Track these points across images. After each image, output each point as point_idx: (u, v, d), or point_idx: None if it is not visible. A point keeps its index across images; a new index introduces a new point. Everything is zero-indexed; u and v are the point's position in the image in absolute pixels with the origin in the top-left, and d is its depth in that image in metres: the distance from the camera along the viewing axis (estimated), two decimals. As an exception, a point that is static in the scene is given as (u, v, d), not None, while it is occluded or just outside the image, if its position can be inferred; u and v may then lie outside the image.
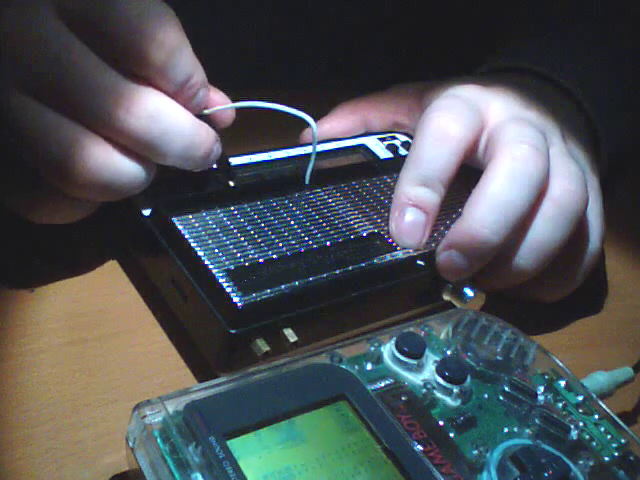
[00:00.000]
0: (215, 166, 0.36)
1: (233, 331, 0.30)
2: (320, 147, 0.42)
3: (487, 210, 0.35)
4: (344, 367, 0.29)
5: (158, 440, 0.25)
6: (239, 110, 0.37)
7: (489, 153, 0.37)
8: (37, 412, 0.29)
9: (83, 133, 0.31)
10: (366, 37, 0.60)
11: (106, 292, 0.35)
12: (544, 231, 0.36)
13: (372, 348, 0.30)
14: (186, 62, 0.32)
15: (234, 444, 0.25)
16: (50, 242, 0.36)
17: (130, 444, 0.26)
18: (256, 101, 0.35)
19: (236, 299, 0.31)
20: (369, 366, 0.30)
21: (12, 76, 0.30)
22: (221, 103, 0.36)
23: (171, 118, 0.32)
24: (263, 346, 0.31)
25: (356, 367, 0.30)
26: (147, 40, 0.31)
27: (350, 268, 0.35)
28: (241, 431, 0.25)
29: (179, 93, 0.33)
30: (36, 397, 0.30)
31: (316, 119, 0.42)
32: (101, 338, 0.33)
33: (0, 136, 0.31)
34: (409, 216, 0.37)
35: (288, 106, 0.35)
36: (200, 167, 0.35)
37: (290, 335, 0.31)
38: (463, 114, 0.38)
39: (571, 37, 0.50)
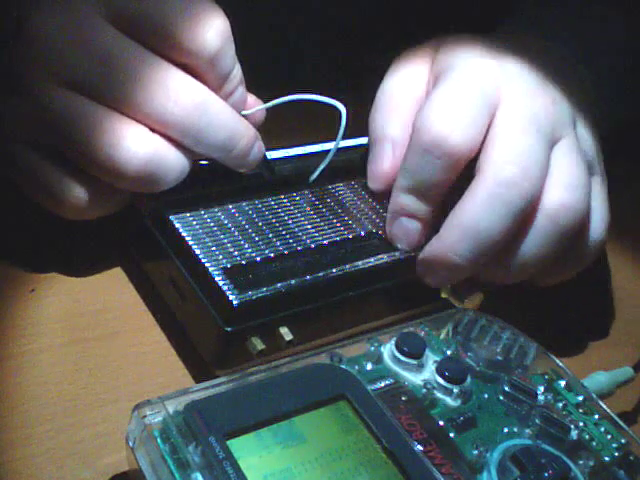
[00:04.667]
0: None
1: (228, 329, 0.30)
2: (319, 147, 0.42)
3: (460, 237, 0.34)
4: (344, 367, 0.29)
5: (158, 440, 0.25)
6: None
7: (480, 162, 0.35)
8: (37, 412, 0.29)
9: (131, 125, 0.31)
10: (366, 37, 0.60)
11: (106, 292, 0.35)
12: (533, 246, 0.35)
13: (372, 348, 0.30)
14: (231, 56, 0.33)
15: (234, 444, 0.25)
16: (50, 242, 0.36)
17: (130, 444, 0.26)
18: (289, 95, 0.36)
19: (232, 297, 0.31)
20: (369, 366, 0.30)
21: (57, 75, 0.31)
22: (253, 104, 0.37)
23: (216, 110, 0.33)
24: (258, 344, 0.31)
25: (356, 367, 0.30)
26: (205, 27, 0.32)
27: (347, 267, 0.35)
28: (241, 431, 0.25)
29: (221, 87, 0.34)
30: (36, 397, 0.30)
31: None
32: (101, 338, 0.33)
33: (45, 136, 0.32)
34: (403, 224, 0.36)
35: (319, 94, 0.36)
36: (241, 163, 0.35)
37: (285, 334, 0.31)
38: (468, 117, 0.34)
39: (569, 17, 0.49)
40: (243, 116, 0.35)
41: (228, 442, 0.25)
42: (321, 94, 0.36)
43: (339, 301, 0.34)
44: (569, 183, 0.35)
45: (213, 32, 0.32)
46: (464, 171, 0.35)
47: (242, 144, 0.34)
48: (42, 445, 0.28)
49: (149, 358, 0.33)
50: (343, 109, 0.37)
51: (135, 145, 0.31)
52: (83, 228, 0.35)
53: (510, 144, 0.34)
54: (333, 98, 0.37)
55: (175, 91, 0.32)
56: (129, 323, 0.34)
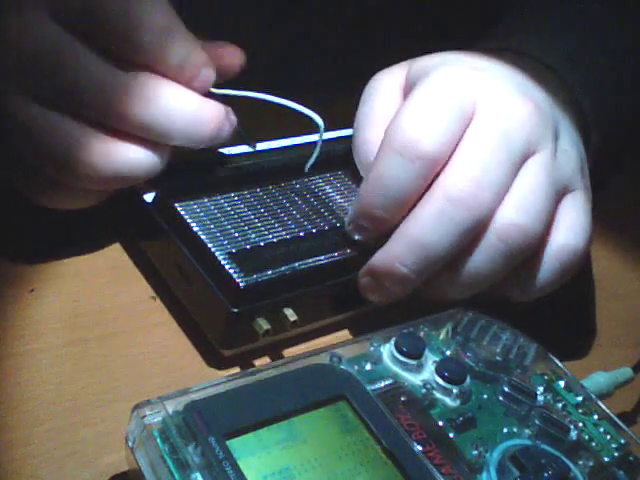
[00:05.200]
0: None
1: (235, 310, 0.31)
2: (315, 137, 0.42)
3: (407, 250, 0.33)
4: (344, 367, 0.29)
5: (157, 440, 0.25)
6: (242, 102, 0.37)
7: (438, 176, 0.34)
8: (37, 412, 0.29)
9: (85, 130, 0.32)
10: (366, 37, 0.60)
11: (106, 292, 0.35)
12: (479, 263, 0.34)
13: (372, 348, 0.31)
14: (180, 44, 0.33)
15: (234, 444, 0.25)
16: (50, 242, 0.36)
17: (130, 444, 0.26)
18: (268, 94, 0.36)
19: (238, 280, 0.32)
20: (369, 366, 0.30)
21: (14, 81, 0.31)
22: (233, 54, 0.37)
23: (170, 99, 0.33)
24: (264, 324, 0.32)
25: (356, 367, 0.30)
26: (135, 25, 0.31)
27: (348, 250, 0.36)
28: (241, 431, 0.25)
29: (179, 75, 0.33)
30: (36, 397, 0.30)
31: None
32: (101, 338, 0.33)
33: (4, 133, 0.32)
34: (361, 236, 0.36)
35: (298, 103, 0.36)
36: (214, 143, 0.35)
37: (290, 314, 0.32)
38: (441, 122, 0.33)
39: (555, 19, 0.49)
40: (212, 94, 0.35)
41: (228, 442, 0.25)
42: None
43: (341, 283, 0.35)
44: (524, 203, 0.34)
45: (143, 30, 0.31)
46: None
47: (209, 129, 0.34)
48: (42, 445, 0.28)
49: (149, 358, 0.33)
50: (320, 121, 0.36)
51: (90, 150, 0.31)
52: (83, 228, 0.35)
53: (469, 162, 0.33)
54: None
55: (125, 89, 0.31)
56: (129, 323, 0.34)
